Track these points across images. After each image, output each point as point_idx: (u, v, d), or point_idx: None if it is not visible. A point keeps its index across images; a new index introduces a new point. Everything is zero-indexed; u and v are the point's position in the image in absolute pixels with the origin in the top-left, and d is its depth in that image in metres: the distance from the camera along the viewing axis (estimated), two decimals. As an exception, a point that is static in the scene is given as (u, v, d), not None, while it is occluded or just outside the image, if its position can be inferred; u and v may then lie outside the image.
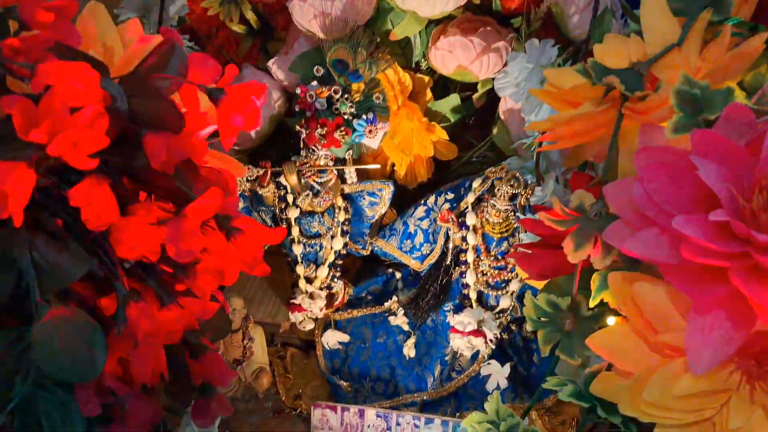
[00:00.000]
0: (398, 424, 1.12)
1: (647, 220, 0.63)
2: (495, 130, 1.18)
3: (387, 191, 1.21)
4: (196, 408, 0.74)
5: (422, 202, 1.21)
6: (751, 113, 0.63)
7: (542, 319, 0.84)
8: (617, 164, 0.76)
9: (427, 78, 1.24)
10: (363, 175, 1.23)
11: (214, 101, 0.65)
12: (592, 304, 0.75)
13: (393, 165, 1.27)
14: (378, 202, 1.22)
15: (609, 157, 0.75)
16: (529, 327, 1.20)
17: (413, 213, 1.22)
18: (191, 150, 0.65)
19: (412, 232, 1.22)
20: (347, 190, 1.21)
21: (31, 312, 0.57)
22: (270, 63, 1.19)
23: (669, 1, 0.73)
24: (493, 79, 1.18)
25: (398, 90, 1.19)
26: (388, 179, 1.23)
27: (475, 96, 1.23)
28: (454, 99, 1.22)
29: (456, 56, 1.14)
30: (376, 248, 1.26)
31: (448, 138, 1.23)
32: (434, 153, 1.25)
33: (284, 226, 1.21)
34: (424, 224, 1.21)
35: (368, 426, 1.13)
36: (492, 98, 1.24)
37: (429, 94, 1.24)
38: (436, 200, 1.19)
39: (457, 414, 1.17)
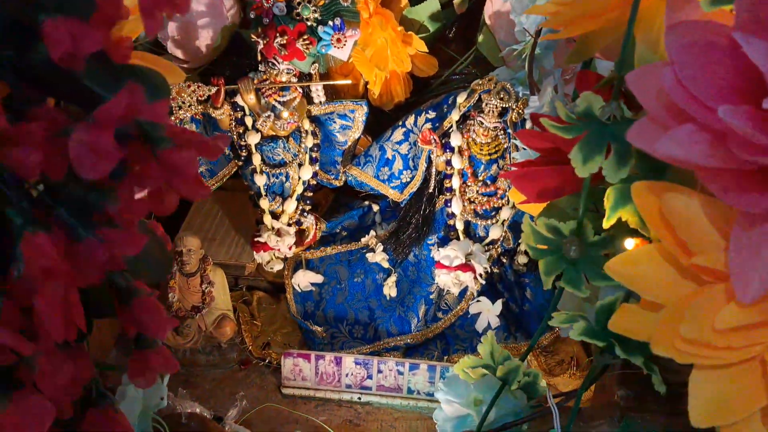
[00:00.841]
0: (380, 371, 1.00)
1: (681, 115, 0.51)
2: (480, 38, 1.04)
3: (360, 112, 1.07)
4: (132, 364, 0.61)
5: (400, 123, 1.07)
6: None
7: (543, 247, 0.72)
8: (633, 56, 0.63)
9: (401, -19, 1.09)
10: (332, 95, 1.09)
11: (131, -24, 0.51)
12: (606, 224, 0.63)
13: (366, 84, 1.13)
14: (350, 125, 1.08)
15: (625, 47, 0.62)
16: (521, 260, 1.09)
17: (390, 136, 1.08)
18: (105, 41, 0.51)
19: (390, 158, 1.08)
20: (314, 112, 1.07)
21: None
22: (221, -34, 1.03)
23: None
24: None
25: (369, -5, 1.04)
26: (361, 99, 1.09)
27: (456, 0, 1.08)
28: (432, 4, 1.07)
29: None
30: (350, 178, 1.12)
31: (427, 50, 1.09)
32: (412, 69, 1.11)
33: (244, 154, 1.07)
34: (403, 149, 1.07)
35: (346, 375, 1.00)
36: (475, 4, 1.10)
37: (404, 0, 1.09)
38: (415, 120, 1.05)
39: (445, 357, 1.05)
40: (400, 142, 1.07)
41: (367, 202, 1.18)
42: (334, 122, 1.08)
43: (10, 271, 0.49)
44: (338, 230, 1.17)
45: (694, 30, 0.51)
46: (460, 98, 0.99)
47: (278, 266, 1.12)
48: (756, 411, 0.50)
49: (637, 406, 0.75)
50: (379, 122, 1.15)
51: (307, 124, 1.06)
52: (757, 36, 0.50)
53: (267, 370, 1.05)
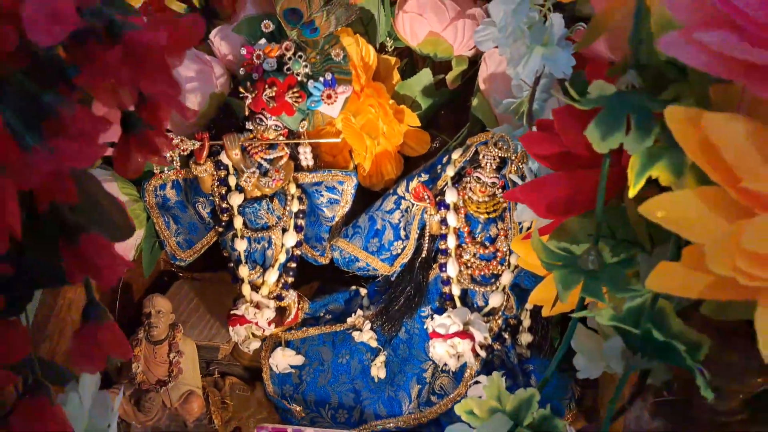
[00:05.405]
0: (367, 449, 0.87)
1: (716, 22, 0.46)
2: (474, 102, 1.01)
3: (349, 184, 1.01)
4: (77, 342, 0.51)
5: (391, 191, 1.01)
6: None
7: (556, 262, 0.65)
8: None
9: (393, 59, 1.08)
10: (320, 164, 1.04)
11: None
12: (632, 192, 0.56)
13: (356, 167, 1.08)
14: (338, 199, 1.02)
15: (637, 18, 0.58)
16: (525, 339, 0.98)
17: (381, 206, 1.01)
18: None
19: (380, 228, 1.01)
20: (301, 180, 1.01)
21: None
22: (212, 34, 1.02)
23: None
24: (468, 58, 1.05)
25: (361, 67, 1.03)
26: (350, 170, 1.04)
27: (449, 76, 1.07)
28: (425, 75, 1.05)
29: (427, 20, 1.00)
30: (335, 254, 1.04)
31: (419, 124, 1.06)
32: (402, 148, 1.08)
33: (225, 218, 1.00)
34: (395, 218, 1.00)
35: (329, 455, 0.87)
36: (466, 84, 1.08)
37: (396, 76, 1.08)
38: (407, 186, 0.99)
39: (444, 437, 0.92)
40: (391, 211, 1.01)
41: (354, 287, 1.09)
42: (322, 195, 1.02)
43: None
44: (322, 314, 1.07)
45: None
46: (455, 154, 0.95)
47: (255, 345, 1.01)
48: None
49: (676, 440, 0.64)
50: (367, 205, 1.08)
51: (293, 189, 1.00)
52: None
53: (236, 454, 0.92)
